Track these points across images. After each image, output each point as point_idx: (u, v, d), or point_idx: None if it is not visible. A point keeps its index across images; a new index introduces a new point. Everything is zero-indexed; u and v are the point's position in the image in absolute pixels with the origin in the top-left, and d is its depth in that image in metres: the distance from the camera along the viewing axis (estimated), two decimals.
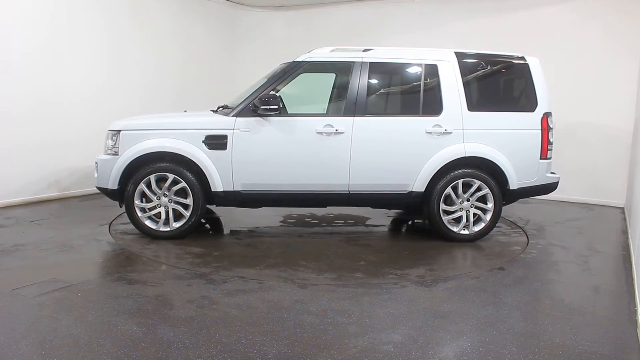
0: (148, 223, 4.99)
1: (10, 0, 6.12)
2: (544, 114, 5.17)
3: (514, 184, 5.14)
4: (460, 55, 5.22)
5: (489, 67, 5.36)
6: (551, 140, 5.22)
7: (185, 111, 6.04)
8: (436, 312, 3.43)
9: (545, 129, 5.16)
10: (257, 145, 4.95)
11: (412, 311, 3.43)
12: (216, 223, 6.07)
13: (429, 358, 2.79)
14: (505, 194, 5.19)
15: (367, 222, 6.06)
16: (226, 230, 5.79)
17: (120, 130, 4.97)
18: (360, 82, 5.08)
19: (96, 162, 5.08)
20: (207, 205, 5.23)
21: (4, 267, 4.09)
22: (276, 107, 4.86)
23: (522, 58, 5.29)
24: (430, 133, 5.03)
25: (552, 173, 5.36)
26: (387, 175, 5.07)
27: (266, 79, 5.24)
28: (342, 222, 6.07)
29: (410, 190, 5.09)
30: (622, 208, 7.29)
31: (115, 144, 4.97)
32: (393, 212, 6.49)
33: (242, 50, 9.73)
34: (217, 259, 4.53)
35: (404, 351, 2.86)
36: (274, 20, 9.67)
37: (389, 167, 5.05)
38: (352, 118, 5.01)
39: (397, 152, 5.04)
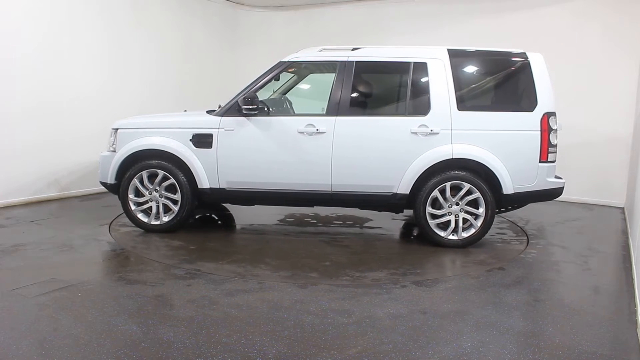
0: (140, 216, 5.24)
1: (10, 0, 6.12)
2: (544, 114, 4.85)
3: (508, 188, 4.85)
4: (453, 53, 5.01)
5: (485, 65, 5.20)
6: (553, 142, 4.90)
7: (185, 111, 6.15)
8: (436, 312, 3.43)
9: (546, 130, 4.83)
10: (240, 144, 5.06)
11: (412, 311, 3.43)
12: (229, 219, 6.21)
13: (429, 358, 2.79)
14: (500, 200, 4.94)
15: (366, 224, 6.01)
16: (224, 227, 5.85)
17: (118, 129, 5.30)
18: (344, 81, 5.02)
19: (100, 158, 5.41)
20: (223, 203, 5.42)
21: (4, 267, 4.09)
22: (255, 107, 4.95)
23: (523, 54, 5.03)
24: (415, 133, 4.86)
25: (557, 177, 5.02)
26: (369, 176, 4.96)
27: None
28: (340, 223, 6.06)
29: (394, 192, 4.95)
30: (622, 208, 7.29)
31: (114, 141, 5.29)
32: (401, 216, 6.42)
33: (243, 50, 9.73)
34: (189, 252, 4.68)
35: (404, 351, 2.86)
36: (274, 20, 9.67)
37: (371, 168, 4.94)
38: (334, 118, 4.98)
39: (380, 153, 4.91)
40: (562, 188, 5.04)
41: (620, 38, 7.21)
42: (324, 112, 5.10)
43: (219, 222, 6.17)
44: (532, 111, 4.88)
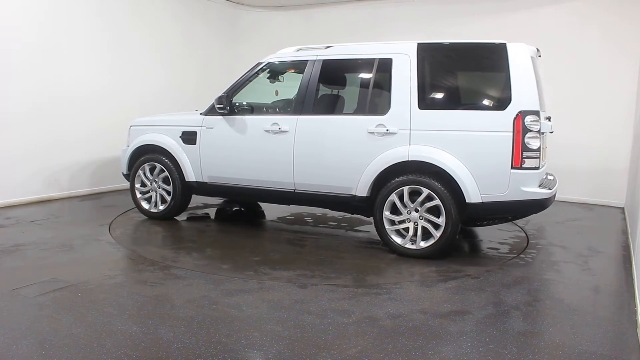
0: (143, 204, 5.85)
1: (9, 1, 6.13)
2: (518, 113, 4.20)
3: (472, 196, 4.31)
4: (422, 47, 4.60)
5: (457, 59, 4.76)
6: (531, 146, 4.22)
7: (197, 110, 6.24)
8: (436, 312, 3.43)
9: (519, 131, 4.17)
10: (216, 141, 5.36)
11: (412, 311, 3.43)
12: (260, 215, 6.49)
13: (429, 358, 2.79)
14: (468, 209, 4.40)
15: (357, 227, 5.79)
16: (226, 221, 5.95)
17: (131, 126, 5.97)
18: (310, 80, 4.99)
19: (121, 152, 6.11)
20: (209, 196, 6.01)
21: (4, 267, 4.10)
22: (222, 106, 5.15)
23: (502, 46, 4.38)
24: (372, 133, 4.61)
25: (546, 187, 4.41)
26: (328, 176, 4.85)
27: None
28: (335, 224, 5.96)
29: (353, 193, 4.75)
30: (622, 208, 7.29)
31: (128, 137, 5.95)
32: None
33: (243, 50, 9.71)
34: (152, 237, 5.20)
35: (404, 351, 2.86)
36: (274, 19, 9.67)
37: (330, 168, 4.82)
38: (297, 117, 4.98)
39: (337, 153, 4.78)
40: (548, 199, 4.39)
41: (619, 39, 7.21)
42: (291, 111, 5.13)
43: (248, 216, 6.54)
44: (503, 109, 4.27)
